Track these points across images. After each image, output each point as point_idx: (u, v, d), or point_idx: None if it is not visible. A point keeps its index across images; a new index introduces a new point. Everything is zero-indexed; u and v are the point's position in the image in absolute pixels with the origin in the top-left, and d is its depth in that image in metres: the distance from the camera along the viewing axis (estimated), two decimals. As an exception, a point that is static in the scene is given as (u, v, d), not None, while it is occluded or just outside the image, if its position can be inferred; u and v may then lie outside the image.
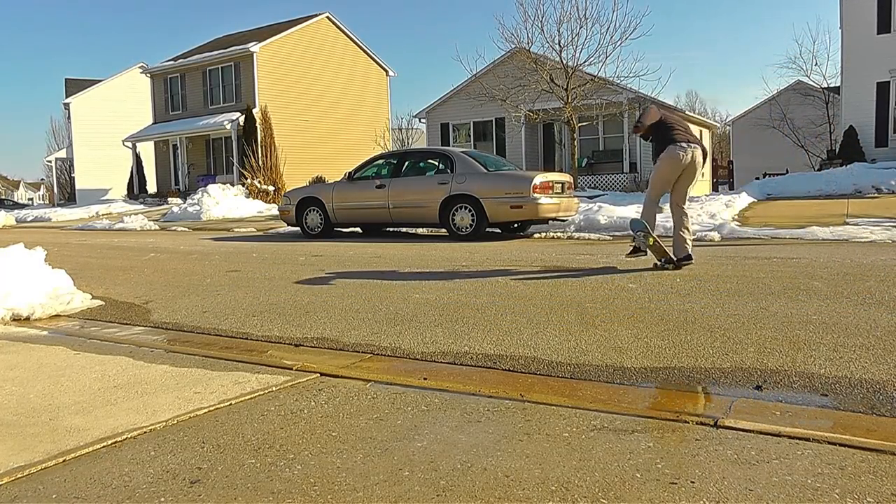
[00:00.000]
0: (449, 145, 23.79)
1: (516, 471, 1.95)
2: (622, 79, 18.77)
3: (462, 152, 10.44)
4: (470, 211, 9.64)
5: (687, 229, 5.77)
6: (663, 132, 5.77)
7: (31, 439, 2.33)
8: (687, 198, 5.86)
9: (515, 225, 10.64)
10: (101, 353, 3.60)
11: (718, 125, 40.41)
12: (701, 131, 29.82)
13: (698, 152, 5.68)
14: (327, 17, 29.46)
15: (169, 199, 26.60)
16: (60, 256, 7.86)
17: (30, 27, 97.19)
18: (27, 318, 4.64)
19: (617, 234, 9.79)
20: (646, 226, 5.70)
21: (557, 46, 18.23)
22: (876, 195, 14.64)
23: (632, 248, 6.03)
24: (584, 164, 21.19)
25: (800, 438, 2.11)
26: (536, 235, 10.27)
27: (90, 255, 9.35)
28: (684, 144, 5.64)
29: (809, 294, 4.44)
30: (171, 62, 29.64)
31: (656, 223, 6.07)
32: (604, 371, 2.97)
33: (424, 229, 11.41)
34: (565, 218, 10.35)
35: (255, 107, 25.39)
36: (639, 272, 5.69)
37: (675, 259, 5.76)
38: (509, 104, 19.58)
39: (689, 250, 5.75)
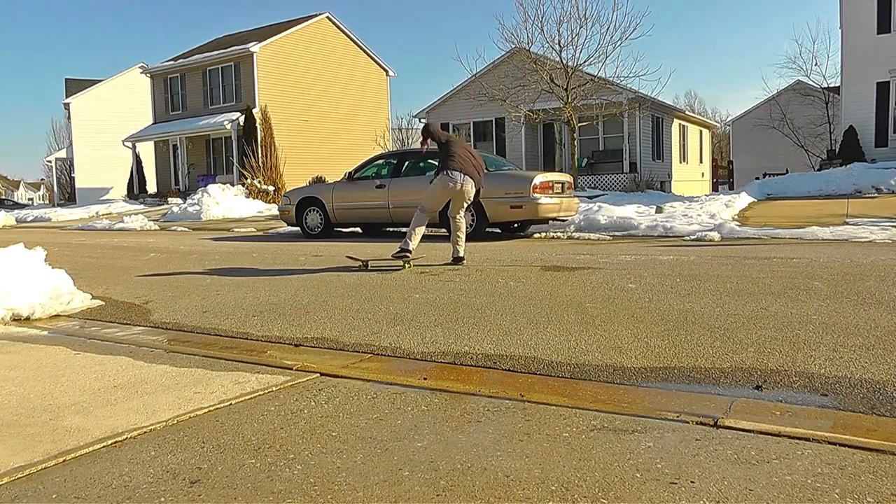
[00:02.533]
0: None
1: (516, 471, 1.94)
2: (622, 79, 18.80)
3: (462, 152, 10.42)
4: (470, 211, 9.61)
5: (459, 237, 6.66)
6: (444, 155, 6.48)
7: (31, 439, 2.32)
8: (461, 212, 6.66)
9: (515, 225, 10.64)
10: (101, 353, 3.60)
11: (718, 125, 40.40)
12: (701, 131, 29.84)
13: (469, 184, 6.41)
14: (327, 17, 29.45)
15: (169, 199, 26.59)
16: (60, 256, 7.85)
17: (30, 27, 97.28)
18: (27, 318, 4.64)
19: (617, 233, 9.79)
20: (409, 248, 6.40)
21: (557, 46, 18.26)
22: (876, 195, 14.65)
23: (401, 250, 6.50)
24: (584, 164, 21.18)
25: (800, 438, 2.11)
26: (536, 235, 10.27)
27: (90, 255, 9.35)
28: (457, 174, 6.34)
29: (809, 294, 4.44)
30: (171, 62, 29.64)
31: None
32: (604, 371, 2.97)
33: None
34: (565, 218, 10.34)
35: (255, 107, 25.39)
36: (638, 272, 5.70)
37: (452, 259, 6.66)
38: (509, 104, 19.58)
39: (461, 253, 6.68)
